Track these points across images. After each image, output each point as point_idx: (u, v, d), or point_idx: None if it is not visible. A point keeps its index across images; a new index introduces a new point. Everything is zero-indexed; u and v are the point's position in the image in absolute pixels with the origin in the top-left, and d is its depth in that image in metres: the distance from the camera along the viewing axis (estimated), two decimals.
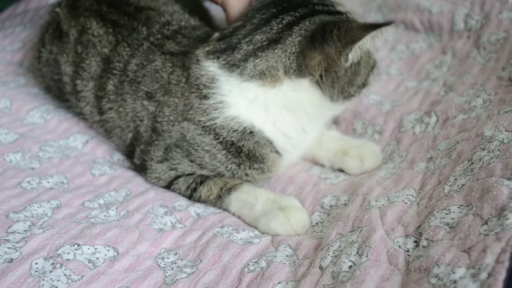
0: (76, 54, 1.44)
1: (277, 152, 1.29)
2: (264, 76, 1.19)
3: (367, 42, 1.14)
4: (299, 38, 1.18)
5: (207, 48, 1.25)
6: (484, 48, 1.54)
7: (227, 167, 1.28)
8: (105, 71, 1.38)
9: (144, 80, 1.31)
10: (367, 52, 1.20)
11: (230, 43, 1.22)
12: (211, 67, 1.23)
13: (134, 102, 1.33)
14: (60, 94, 1.56)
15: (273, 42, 1.19)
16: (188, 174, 1.31)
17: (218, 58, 1.23)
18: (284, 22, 1.20)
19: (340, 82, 1.19)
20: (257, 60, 1.19)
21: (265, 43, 1.19)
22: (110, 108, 1.38)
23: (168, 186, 1.33)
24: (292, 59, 1.18)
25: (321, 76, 1.18)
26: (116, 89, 1.36)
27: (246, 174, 1.29)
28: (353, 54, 1.16)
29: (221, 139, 1.24)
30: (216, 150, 1.26)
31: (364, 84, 1.24)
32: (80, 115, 1.50)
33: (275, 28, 1.20)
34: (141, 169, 1.36)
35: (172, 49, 1.32)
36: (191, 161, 1.29)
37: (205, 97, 1.23)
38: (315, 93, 1.21)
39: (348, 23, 1.16)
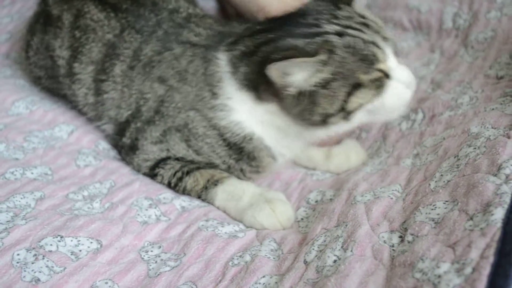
0: (74, 39, 1.43)
1: (272, 157, 1.29)
2: (248, 89, 1.21)
3: (292, 72, 1.10)
4: (246, 68, 1.19)
5: (227, 47, 1.24)
6: (472, 46, 1.54)
7: (224, 161, 1.28)
8: (108, 56, 1.38)
9: (159, 64, 1.31)
10: (321, 84, 1.12)
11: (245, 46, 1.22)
12: (224, 67, 1.23)
13: (143, 83, 1.32)
14: (50, 80, 1.55)
15: (248, 55, 1.19)
16: (177, 159, 1.30)
17: (230, 59, 1.23)
18: (259, 39, 1.20)
19: (294, 109, 1.17)
20: (241, 70, 1.20)
21: (246, 53, 1.20)
22: (113, 89, 1.37)
23: (153, 169, 1.32)
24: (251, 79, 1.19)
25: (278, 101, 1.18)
26: (124, 73, 1.35)
27: (241, 170, 1.29)
28: (288, 83, 1.12)
29: (225, 137, 1.25)
30: (217, 145, 1.26)
31: (331, 115, 1.15)
32: (71, 97, 1.48)
33: (254, 42, 1.20)
34: (129, 148, 1.35)
35: (192, 39, 1.32)
36: (188, 146, 1.28)
37: (215, 95, 1.23)
38: (284, 116, 1.20)
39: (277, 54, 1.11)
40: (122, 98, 1.35)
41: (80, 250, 1.04)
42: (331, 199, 1.19)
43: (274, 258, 1.05)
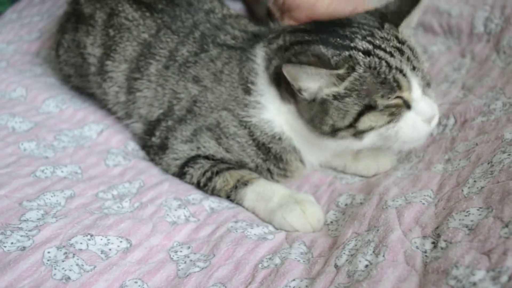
0: (107, 37, 1.44)
1: (301, 161, 1.30)
2: (276, 84, 1.23)
3: (304, 78, 1.11)
4: (277, 61, 1.20)
5: (267, 41, 1.26)
6: (504, 52, 1.52)
7: (253, 159, 1.28)
8: (143, 55, 1.39)
9: (195, 65, 1.32)
10: (334, 96, 1.12)
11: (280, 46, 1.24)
12: (260, 61, 1.25)
13: (177, 83, 1.33)
14: (80, 79, 1.56)
15: (283, 49, 1.21)
16: (206, 158, 1.31)
17: (266, 53, 1.25)
18: (296, 38, 1.21)
19: (307, 114, 1.18)
20: (273, 63, 1.22)
21: (281, 47, 1.22)
22: (147, 88, 1.38)
23: (182, 167, 1.33)
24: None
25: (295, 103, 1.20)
26: (159, 72, 1.36)
27: (269, 170, 1.29)
28: (303, 87, 1.13)
29: (254, 136, 1.26)
30: (247, 145, 1.27)
31: (340, 129, 1.15)
32: (101, 95, 1.49)
33: (292, 39, 1.22)
34: (159, 148, 1.36)
35: (229, 42, 1.33)
36: (219, 144, 1.29)
37: (249, 92, 1.24)
38: (300, 120, 1.22)
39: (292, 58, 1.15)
40: (155, 97, 1.36)
41: (110, 249, 1.04)
42: (361, 203, 1.19)
43: (304, 261, 1.05)
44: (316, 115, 1.16)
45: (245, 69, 1.26)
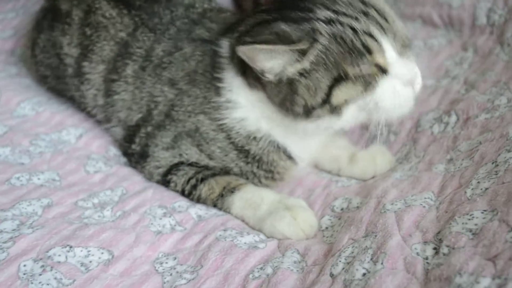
0: (84, 36, 1.44)
1: (290, 158, 1.29)
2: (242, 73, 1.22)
3: (261, 58, 1.09)
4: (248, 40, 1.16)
5: (231, 33, 1.24)
6: (508, 44, 1.52)
7: (236, 164, 1.28)
8: (120, 55, 1.38)
9: (169, 66, 1.31)
10: (300, 73, 1.11)
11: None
12: (225, 54, 1.23)
13: (153, 86, 1.32)
14: (57, 81, 1.55)
15: (244, 35, 1.18)
16: (190, 164, 1.30)
17: (230, 44, 1.23)
18: (257, 20, 1.19)
19: (276, 98, 1.16)
20: (234, 57, 1.20)
21: (243, 33, 1.19)
22: (124, 90, 1.37)
23: (165, 175, 1.32)
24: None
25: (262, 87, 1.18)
26: (136, 74, 1.36)
27: (254, 174, 1.29)
28: (264, 68, 1.12)
29: (232, 140, 1.25)
30: (228, 149, 1.26)
31: (314, 108, 1.12)
32: (79, 98, 1.49)
33: (252, 22, 1.19)
34: (140, 156, 1.35)
35: (203, 35, 1.32)
36: (201, 151, 1.29)
37: (218, 91, 1.24)
38: (272, 106, 1.20)
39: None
40: (133, 100, 1.36)
41: (91, 261, 1.04)
42: (358, 207, 1.18)
43: (297, 270, 1.04)
44: (286, 97, 1.14)
45: (213, 66, 1.25)
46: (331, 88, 1.09)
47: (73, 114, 1.52)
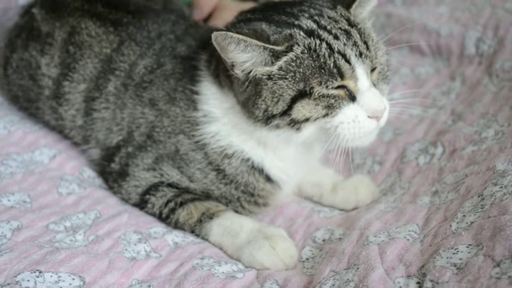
0: (67, 54, 1.44)
1: (269, 180, 1.29)
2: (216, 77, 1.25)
3: (233, 48, 1.10)
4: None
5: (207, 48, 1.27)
6: (496, 75, 1.55)
7: (217, 186, 1.28)
8: (104, 72, 1.39)
9: (150, 86, 1.33)
10: (268, 75, 1.12)
11: None
12: (202, 63, 1.27)
13: (134, 108, 1.33)
14: (28, 104, 1.55)
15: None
16: (170, 185, 1.30)
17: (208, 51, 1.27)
18: (238, 19, 1.23)
19: (241, 96, 1.17)
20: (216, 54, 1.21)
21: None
22: (106, 108, 1.37)
23: (143, 195, 1.32)
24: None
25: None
26: (117, 91, 1.37)
27: (238, 199, 1.29)
28: (234, 60, 1.13)
29: (210, 159, 1.26)
30: (208, 170, 1.27)
31: (274, 116, 1.14)
32: (56, 121, 1.48)
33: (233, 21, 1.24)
34: (118, 175, 1.35)
35: (183, 53, 1.34)
36: (182, 173, 1.29)
37: (195, 107, 1.25)
38: (240, 111, 1.21)
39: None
40: (113, 119, 1.36)
41: (61, 287, 1.03)
42: (340, 239, 1.19)
43: None
44: (250, 97, 1.15)
45: (192, 80, 1.27)
46: (294, 100, 1.10)
47: (47, 135, 1.52)
